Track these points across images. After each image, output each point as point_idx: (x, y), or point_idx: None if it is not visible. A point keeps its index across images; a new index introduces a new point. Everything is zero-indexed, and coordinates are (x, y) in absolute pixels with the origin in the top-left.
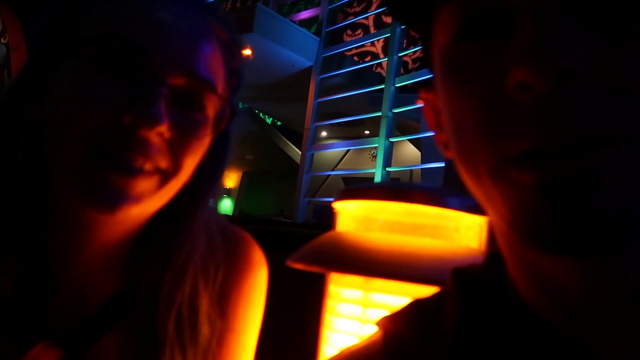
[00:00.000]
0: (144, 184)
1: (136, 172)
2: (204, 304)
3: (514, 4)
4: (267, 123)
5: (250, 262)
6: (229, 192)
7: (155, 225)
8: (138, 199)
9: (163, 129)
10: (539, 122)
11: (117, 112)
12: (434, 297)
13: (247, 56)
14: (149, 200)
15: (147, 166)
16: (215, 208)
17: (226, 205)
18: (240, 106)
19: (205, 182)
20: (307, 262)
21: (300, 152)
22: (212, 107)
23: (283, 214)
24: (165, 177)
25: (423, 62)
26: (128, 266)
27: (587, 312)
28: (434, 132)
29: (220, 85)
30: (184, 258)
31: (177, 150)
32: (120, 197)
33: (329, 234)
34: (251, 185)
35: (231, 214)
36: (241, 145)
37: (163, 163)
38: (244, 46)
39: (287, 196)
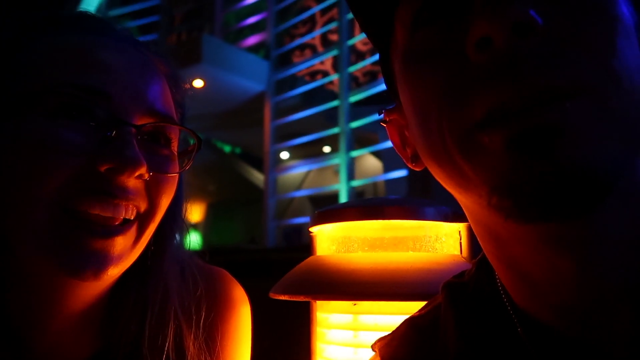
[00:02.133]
0: (123, 241)
1: (114, 233)
2: (191, 345)
3: None
4: (226, 152)
5: (232, 301)
6: (195, 226)
7: (127, 274)
8: (120, 257)
9: (143, 170)
10: (501, 76)
11: (89, 162)
12: (427, 313)
13: (199, 87)
14: (130, 255)
15: (129, 212)
16: (182, 244)
17: (194, 240)
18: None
19: (169, 218)
20: (291, 292)
21: (263, 177)
22: (176, 141)
23: (255, 241)
24: (143, 221)
25: (383, 82)
26: (105, 323)
27: (578, 308)
28: (399, 150)
29: (176, 118)
30: (161, 299)
31: (152, 190)
32: (103, 261)
33: (310, 259)
34: (217, 216)
35: (200, 248)
36: (202, 177)
37: (143, 205)
38: (186, 78)
39: (255, 222)
